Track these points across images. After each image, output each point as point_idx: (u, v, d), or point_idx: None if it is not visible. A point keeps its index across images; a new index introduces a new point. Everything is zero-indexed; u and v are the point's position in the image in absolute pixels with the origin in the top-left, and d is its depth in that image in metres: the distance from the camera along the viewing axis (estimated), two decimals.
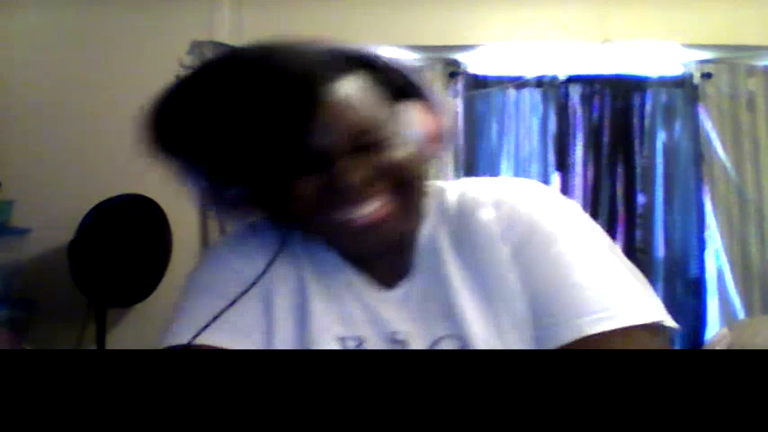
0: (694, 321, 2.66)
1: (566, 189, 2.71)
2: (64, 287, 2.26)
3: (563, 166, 2.72)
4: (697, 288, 2.67)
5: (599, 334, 0.57)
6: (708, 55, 2.63)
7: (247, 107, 0.56)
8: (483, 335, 0.61)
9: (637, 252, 2.67)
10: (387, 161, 0.60)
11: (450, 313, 0.63)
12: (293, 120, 0.56)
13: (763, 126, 2.59)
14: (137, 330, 2.53)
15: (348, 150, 0.58)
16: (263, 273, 0.65)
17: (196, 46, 2.58)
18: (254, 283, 0.65)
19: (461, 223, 0.67)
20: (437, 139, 0.66)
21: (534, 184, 0.69)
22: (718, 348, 2.12)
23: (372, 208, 0.60)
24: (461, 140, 2.71)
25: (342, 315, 0.65)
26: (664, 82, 2.71)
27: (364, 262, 0.68)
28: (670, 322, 0.61)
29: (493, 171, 2.74)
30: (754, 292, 2.56)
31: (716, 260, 2.61)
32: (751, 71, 2.61)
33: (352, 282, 0.67)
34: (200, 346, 0.61)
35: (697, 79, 2.64)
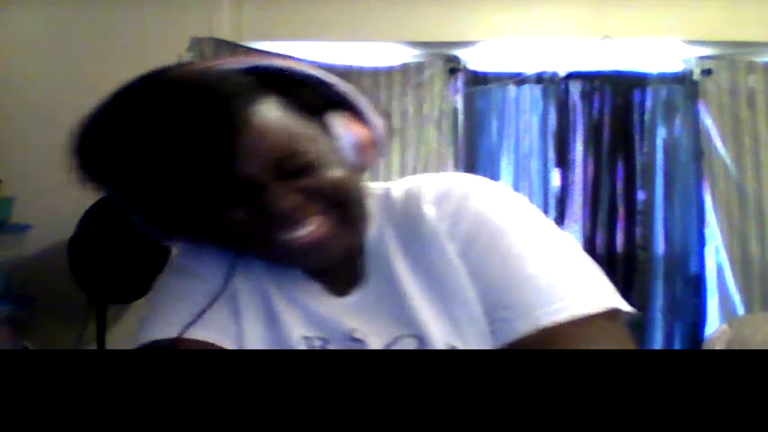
0: (694, 318, 2.66)
1: (566, 185, 2.72)
2: (64, 284, 2.27)
3: (563, 162, 2.72)
4: (697, 284, 2.67)
5: (555, 325, 0.57)
6: (708, 51, 2.63)
7: (165, 138, 0.55)
8: (439, 332, 0.61)
9: (637, 249, 2.67)
10: (317, 183, 0.60)
11: (404, 314, 0.63)
12: (213, 149, 0.55)
13: (764, 122, 2.59)
14: (137, 327, 2.53)
15: (275, 176, 0.58)
16: (232, 271, 0.66)
17: (196, 43, 2.58)
18: (226, 282, 0.66)
19: (406, 223, 0.66)
20: (369, 147, 0.65)
21: (479, 179, 0.68)
22: (717, 345, 2.12)
23: (309, 229, 0.60)
24: (461, 137, 2.72)
25: (304, 317, 0.66)
26: (664, 78, 2.71)
27: (316, 272, 0.68)
28: (625, 307, 0.61)
29: (493, 168, 2.74)
30: (754, 288, 2.56)
31: (716, 257, 2.61)
32: (751, 67, 2.61)
33: (309, 289, 0.67)
34: (189, 340, 0.62)
35: (697, 75, 2.64)
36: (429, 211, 0.65)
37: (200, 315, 0.63)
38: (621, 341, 0.59)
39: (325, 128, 0.63)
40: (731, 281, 2.57)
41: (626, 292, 2.76)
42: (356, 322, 0.64)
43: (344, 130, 0.64)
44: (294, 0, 2.60)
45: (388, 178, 2.51)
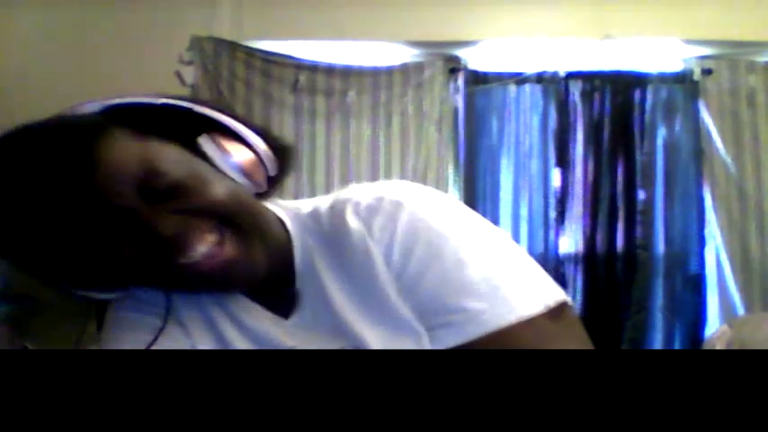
0: (694, 317, 2.66)
1: (566, 185, 2.72)
2: None
3: (563, 162, 2.72)
4: (697, 284, 2.67)
5: (506, 327, 0.57)
6: (708, 51, 2.63)
7: (28, 194, 0.55)
8: (375, 340, 0.61)
9: (637, 248, 2.67)
10: (193, 202, 0.58)
11: (340, 328, 0.63)
12: (72, 190, 0.55)
13: (764, 122, 2.59)
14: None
15: (144, 201, 0.57)
16: (169, 305, 0.66)
17: (196, 42, 2.58)
18: (166, 317, 0.65)
19: (333, 239, 0.65)
20: (252, 165, 0.64)
21: (409, 186, 0.67)
22: (717, 345, 2.12)
23: (203, 251, 0.58)
24: (461, 137, 2.72)
25: (249, 337, 0.66)
26: (664, 78, 2.71)
27: (258, 294, 0.67)
28: (569, 299, 0.62)
29: (493, 167, 2.74)
30: (754, 288, 2.56)
31: (716, 256, 2.61)
32: (751, 67, 2.61)
33: (252, 310, 0.67)
34: None
35: (697, 75, 2.64)
36: (354, 223, 0.63)
37: (149, 346, 0.64)
38: (574, 335, 0.61)
39: (196, 152, 0.61)
40: (731, 280, 2.57)
41: (626, 292, 2.78)
42: (296, 340, 0.64)
43: (218, 151, 0.62)
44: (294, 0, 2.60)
45: (388, 179, 2.50)
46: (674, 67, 2.70)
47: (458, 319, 0.59)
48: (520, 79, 2.71)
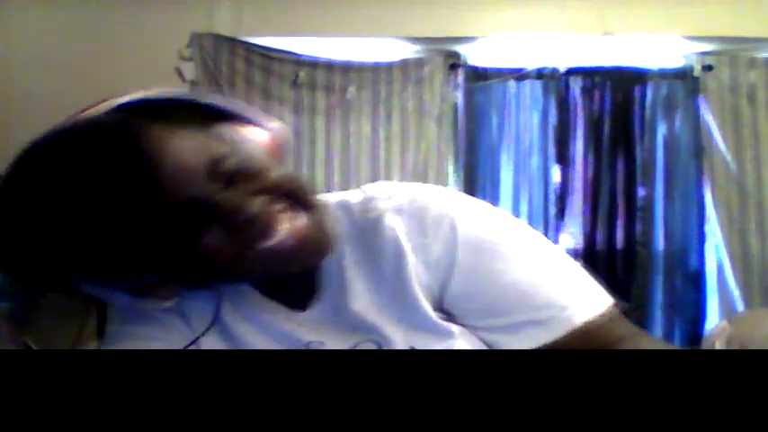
0: (694, 314, 2.66)
1: (566, 181, 2.71)
2: None
3: (563, 158, 2.72)
4: (697, 281, 2.67)
5: (589, 322, 0.59)
6: (709, 47, 2.62)
7: (100, 208, 0.52)
8: (398, 335, 0.61)
9: (637, 245, 2.67)
10: (263, 182, 0.57)
11: (361, 322, 0.62)
12: (140, 194, 0.52)
13: (764, 118, 2.59)
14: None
15: (220, 186, 0.55)
16: (213, 322, 0.63)
17: (196, 38, 2.58)
18: (208, 328, 0.63)
19: (366, 235, 0.64)
20: (273, 146, 0.64)
21: (444, 190, 0.67)
22: (717, 341, 2.12)
23: (287, 228, 0.57)
24: (461, 133, 2.71)
25: (261, 332, 0.65)
26: (664, 74, 2.71)
27: (273, 289, 0.66)
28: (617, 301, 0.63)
29: (493, 164, 2.74)
30: (754, 285, 2.56)
31: (716, 253, 2.62)
32: (752, 63, 2.61)
33: (265, 306, 0.66)
34: None
35: (698, 71, 2.63)
36: (390, 223, 0.63)
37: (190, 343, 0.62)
38: (632, 327, 0.62)
39: (219, 138, 0.60)
40: (731, 277, 2.57)
41: (626, 289, 2.77)
42: (313, 334, 0.63)
43: (240, 135, 0.61)
44: None
45: (388, 175, 2.49)
46: (675, 63, 2.69)
47: (541, 317, 0.59)
48: (520, 75, 2.70)
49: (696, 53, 2.64)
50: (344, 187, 2.62)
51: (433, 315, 0.62)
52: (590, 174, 2.70)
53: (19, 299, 2.49)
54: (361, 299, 0.63)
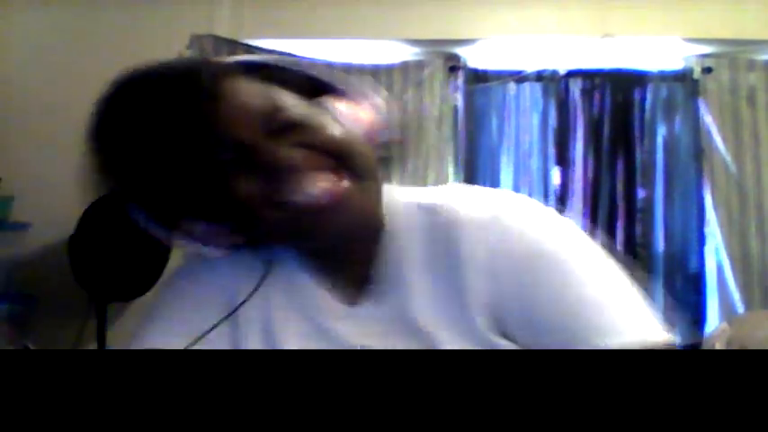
0: (694, 316, 2.66)
1: (566, 183, 2.72)
2: (64, 282, 2.27)
3: (563, 160, 2.72)
4: (697, 283, 2.67)
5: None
6: (708, 49, 2.62)
7: (161, 120, 0.57)
8: (451, 347, 0.60)
9: (637, 247, 2.67)
10: (313, 137, 0.59)
11: (412, 327, 0.61)
12: (200, 118, 0.56)
13: (764, 120, 2.59)
14: (137, 325, 2.53)
15: (265, 134, 0.57)
16: (254, 291, 0.64)
17: (196, 40, 2.58)
18: (243, 302, 0.63)
19: (432, 238, 0.64)
20: (370, 121, 0.63)
21: (526, 200, 0.66)
22: (717, 343, 2.12)
23: (322, 186, 0.57)
24: (461, 135, 2.71)
25: (304, 332, 0.63)
26: (664, 76, 2.71)
27: (330, 274, 0.65)
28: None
29: (493, 166, 2.74)
30: (754, 286, 2.56)
31: (716, 255, 2.61)
32: (751, 65, 2.61)
33: (316, 298, 0.65)
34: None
35: (697, 74, 2.63)
36: (462, 228, 0.62)
37: (210, 330, 0.62)
38: None
39: (317, 103, 0.62)
40: (731, 279, 2.57)
41: None
42: (361, 336, 0.62)
43: (338, 109, 0.62)
44: None
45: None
46: (675, 65, 2.70)
47: (599, 343, 0.57)
48: (520, 77, 2.70)
49: (696, 55, 2.64)
50: None
51: (489, 330, 0.60)
52: (590, 175, 2.70)
53: (18, 302, 2.49)
54: (418, 300, 0.62)
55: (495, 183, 2.72)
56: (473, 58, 2.70)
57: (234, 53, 2.61)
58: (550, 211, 0.67)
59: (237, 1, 2.60)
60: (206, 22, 2.58)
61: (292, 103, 0.60)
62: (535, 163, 2.72)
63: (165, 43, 2.56)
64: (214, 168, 0.57)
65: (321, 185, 0.57)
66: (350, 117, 0.62)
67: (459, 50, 2.68)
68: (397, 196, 0.67)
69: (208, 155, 0.57)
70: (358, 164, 0.60)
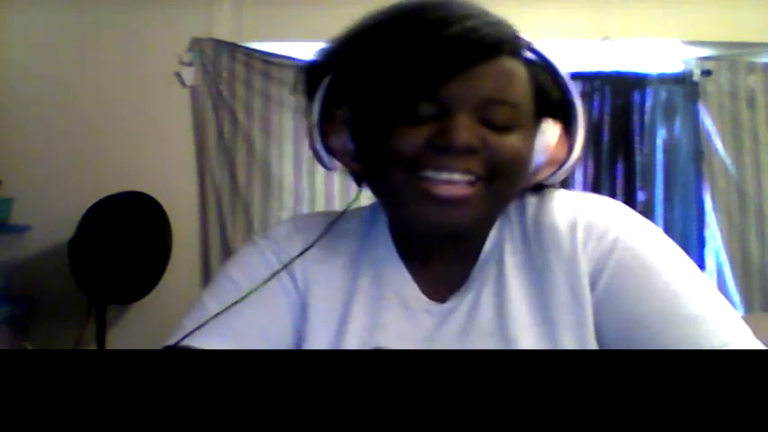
0: None
1: (566, 186, 2.71)
2: (64, 284, 2.27)
3: None
4: None
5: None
6: (708, 52, 2.63)
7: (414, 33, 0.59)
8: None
9: None
10: (497, 143, 0.58)
11: (502, 335, 0.60)
12: (443, 59, 0.57)
13: (764, 123, 2.59)
14: (137, 327, 2.53)
15: (469, 109, 0.57)
16: (269, 279, 0.63)
17: (196, 43, 2.58)
18: (250, 291, 0.62)
19: (536, 241, 0.63)
20: (555, 163, 0.64)
21: (624, 208, 0.66)
22: None
23: (463, 179, 0.57)
24: None
25: (382, 324, 0.63)
26: (664, 79, 2.71)
27: (423, 266, 0.65)
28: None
29: None
30: (754, 289, 2.56)
31: (716, 257, 2.61)
32: (751, 68, 2.61)
33: (405, 289, 0.65)
34: (187, 347, 0.60)
35: (697, 76, 2.63)
36: (567, 233, 0.62)
37: (200, 327, 0.60)
38: None
39: (539, 123, 0.62)
40: (731, 281, 2.57)
41: None
42: (442, 336, 0.62)
43: (549, 137, 0.62)
44: (294, 1, 2.60)
45: None
46: (674, 68, 2.70)
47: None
48: None
49: (695, 58, 2.64)
50: (345, 190, 2.63)
51: (574, 336, 0.60)
52: (590, 178, 2.70)
53: (18, 304, 2.48)
54: (515, 304, 0.61)
55: None
56: None
57: (234, 56, 2.61)
58: (639, 216, 0.68)
59: (237, 4, 2.61)
60: (206, 25, 2.59)
61: (515, 97, 0.60)
62: None
63: (165, 46, 2.57)
64: (416, 103, 0.58)
65: (452, 177, 0.57)
66: (547, 147, 0.62)
67: None
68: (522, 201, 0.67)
69: (425, 89, 0.57)
70: (502, 175, 0.59)
